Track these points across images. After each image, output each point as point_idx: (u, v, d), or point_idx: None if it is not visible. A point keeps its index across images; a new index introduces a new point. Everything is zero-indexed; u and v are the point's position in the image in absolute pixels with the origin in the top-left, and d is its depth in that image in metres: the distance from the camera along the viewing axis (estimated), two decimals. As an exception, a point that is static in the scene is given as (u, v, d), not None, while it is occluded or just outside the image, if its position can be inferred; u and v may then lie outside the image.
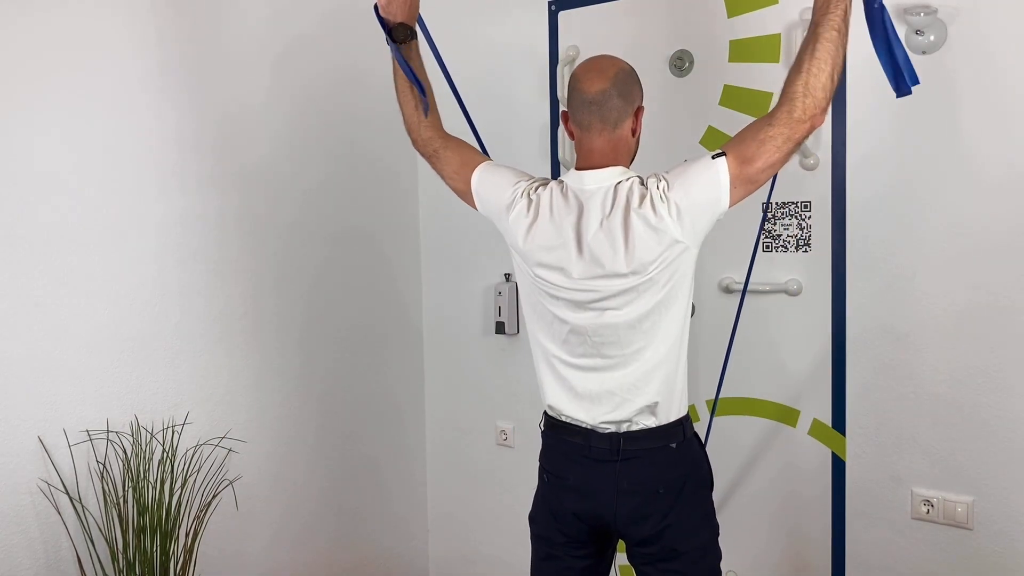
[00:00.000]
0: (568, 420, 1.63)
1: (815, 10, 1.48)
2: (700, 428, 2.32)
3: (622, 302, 1.52)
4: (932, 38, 1.93)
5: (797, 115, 1.40)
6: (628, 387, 1.56)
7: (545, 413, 1.71)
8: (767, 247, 2.19)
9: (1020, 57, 1.86)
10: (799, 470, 2.19)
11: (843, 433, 2.12)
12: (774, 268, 2.19)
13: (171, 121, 2.06)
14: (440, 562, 2.89)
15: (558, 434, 1.66)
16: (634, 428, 1.57)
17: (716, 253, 2.26)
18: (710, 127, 2.25)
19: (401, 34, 1.75)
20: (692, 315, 2.31)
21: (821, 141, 2.10)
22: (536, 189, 1.63)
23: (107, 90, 1.93)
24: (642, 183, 1.54)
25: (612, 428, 1.58)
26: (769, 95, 2.15)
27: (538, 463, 1.73)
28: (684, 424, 1.61)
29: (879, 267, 2.05)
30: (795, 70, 1.43)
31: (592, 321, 1.55)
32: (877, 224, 2.04)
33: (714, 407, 2.10)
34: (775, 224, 2.18)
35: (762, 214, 2.18)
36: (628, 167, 1.60)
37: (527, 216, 1.60)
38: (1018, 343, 1.90)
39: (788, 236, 2.16)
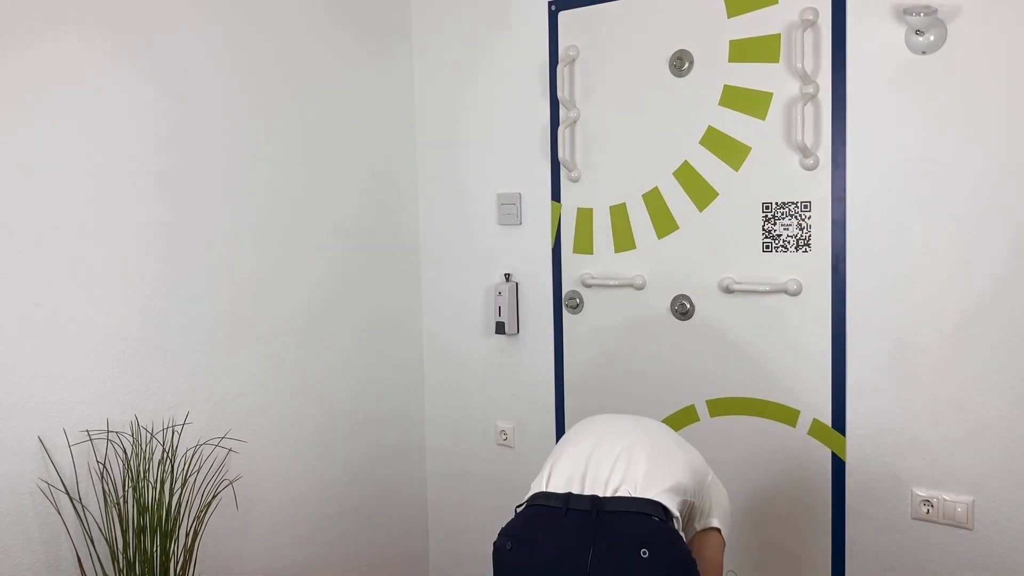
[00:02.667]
0: None
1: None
2: (699, 428, 2.33)
3: None
4: (932, 38, 1.93)
5: None
6: None
7: None
8: (767, 247, 2.19)
9: (1020, 57, 1.86)
10: (799, 470, 2.19)
11: (843, 433, 2.12)
12: (774, 268, 2.19)
13: (172, 121, 2.06)
14: (440, 562, 2.89)
15: None
16: None
17: (716, 253, 2.26)
18: (710, 127, 2.25)
19: None
20: (691, 316, 2.32)
21: (821, 141, 2.10)
22: None
23: (107, 90, 1.93)
24: None
25: None
26: (769, 95, 2.15)
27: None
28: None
29: (879, 267, 2.05)
30: None
31: None
32: (877, 224, 2.04)
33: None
34: (775, 224, 2.18)
35: (762, 213, 2.19)
36: None
37: None
38: (1018, 342, 1.90)
39: (788, 236, 2.16)
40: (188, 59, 2.10)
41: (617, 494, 1.51)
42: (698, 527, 1.67)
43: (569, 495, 1.54)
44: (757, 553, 2.27)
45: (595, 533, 1.45)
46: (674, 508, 1.52)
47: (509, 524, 1.58)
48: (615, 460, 1.59)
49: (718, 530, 1.67)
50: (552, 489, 1.57)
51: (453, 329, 2.77)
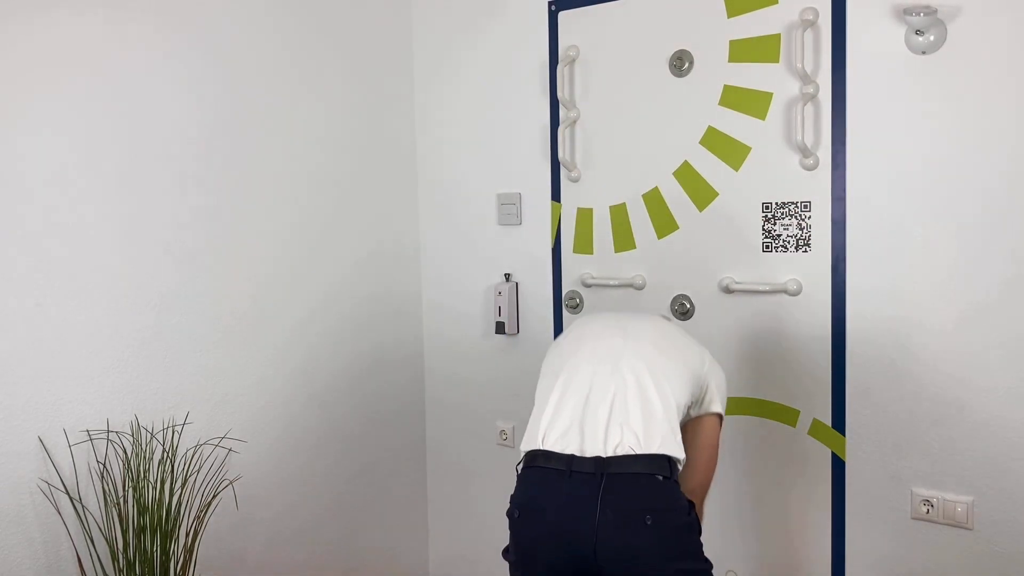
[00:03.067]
0: None
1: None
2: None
3: None
4: (932, 38, 1.93)
5: None
6: None
7: None
8: (767, 247, 2.19)
9: (1020, 57, 1.86)
10: (799, 470, 2.19)
11: (843, 433, 2.12)
12: (774, 268, 2.19)
13: (172, 121, 2.06)
14: (440, 562, 2.89)
15: None
16: None
17: (716, 253, 2.26)
18: (710, 127, 2.25)
19: None
20: (691, 316, 2.32)
21: (821, 141, 2.10)
22: None
23: (107, 90, 1.93)
24: None
25: None
26: (769, 95, 2.15)
27: None
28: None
29: (879, 267, 2.05)
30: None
31: None
32: (877, 224, 2.04)
33: None
34: (775, 224, 2.18)
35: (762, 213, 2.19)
36: None
37: None
38: (1018, 343, 1.90)
39: (788, 236, 2.16)
40: (186, 57, 2.10)
41: (618, 452, 1.51)
42: (695, 414, 1.71)
43: (572, 458, 1.54)
44: (757, 553, 2.27)
45: (601, 499, 1.47)
46: (677, 451, 1.55)
47: (516, 491, 1.61)
48: (611, 407, 1.57)
49: (716, 414, 1.72)
50: (551, 448, 1.57)
51: (453, 329, 2.77)
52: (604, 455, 1.52)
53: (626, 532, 1.46)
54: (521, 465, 1.63)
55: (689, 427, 1.71)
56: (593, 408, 1.59)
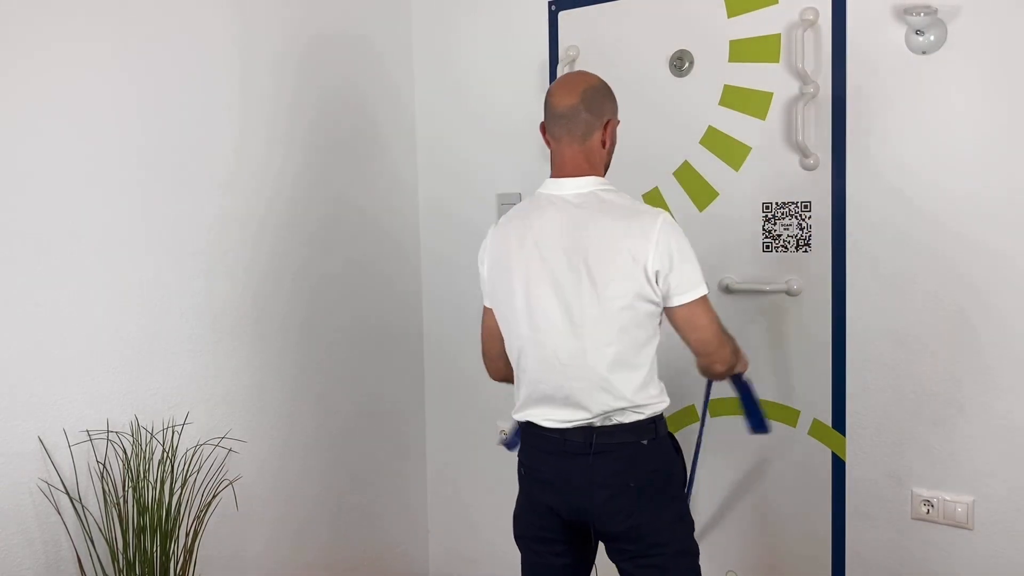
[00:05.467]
0: None
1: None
2: (694, 429, 2.32)
3: None
4: (932, 38, 1.93)
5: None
6: None
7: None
8: (767, 247, 2.19)
9: (1020, 57, 1.86)
10: (799, 470, 2.19)
11: (843, 433, 2.12)
12: (774, 268, 2.19)
13: (172, 122, 2.06)
14: (440, 562, 2.89)
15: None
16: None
17: (716, 253, 2.26)
18: (710, 127, 2.25)
19: None
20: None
21: (821, 141, 2.10)
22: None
23: (108, 91, 1.93)
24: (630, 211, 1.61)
25: None
26: (769, 95, 2.15)
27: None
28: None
29: (879, 267, 2.05)
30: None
31: None
32: (877, 224, 2.04)
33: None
34: (775, 224, 2.18)
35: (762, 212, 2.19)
36: (603, 175, 1.69)
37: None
38: (1018, 343, 1.90)
39: (788, 236, 2.16)
40: (185, 56, 2.10)
41: (607, 421, 1.60)
42: (674, 304, 1.59)
43: (564, 434, 1.63)
44: (757, 553, 2.27)
45: (593, 468, 1.60)
46: (654, 389, 1.62)
47: (520, 449, 1.75)
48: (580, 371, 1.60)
49: (698, 299, 1.59)
50: (536, 420, 1.67)
51: (453, 329, 2.77)
52: (594, 422, 1.64)
53: (615, 497, 1.63)
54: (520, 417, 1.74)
55: (678, 318, 1.61)
56: (563, 368, 1.68)
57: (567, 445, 1.62)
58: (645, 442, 1.61)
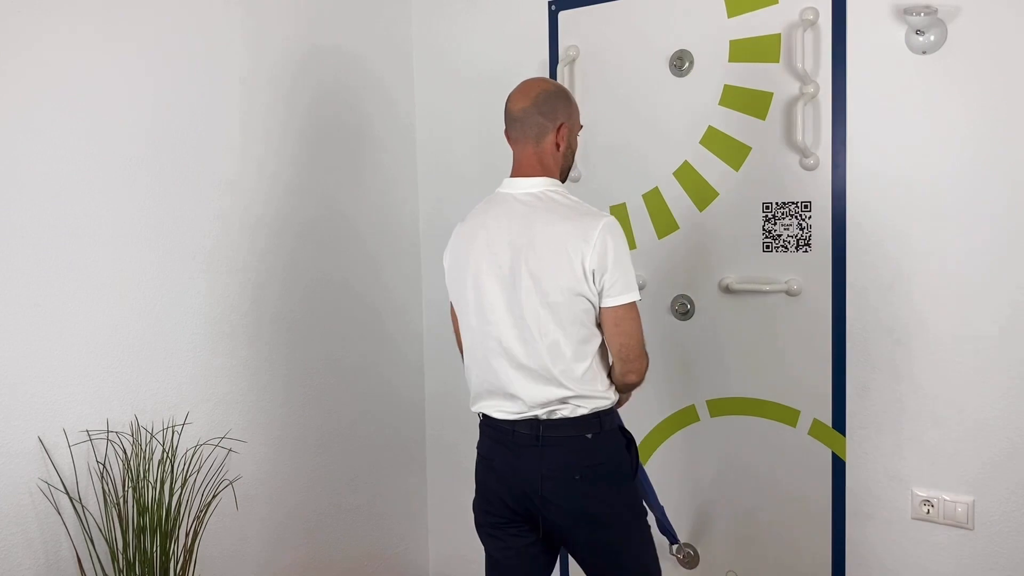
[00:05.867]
0: None
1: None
2: (699, 428, 2.33)
3: None
4: (932, 38, 1.93)
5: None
6: None
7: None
8: (767, 247, 2.19)
9: (1020, 56, 1.86)
10: (799, 470, 2.19)
11: (843, 433, 2.12)
12: (774, 268, 2.19)
13: (172, 122, 2.06)
14: (440, 562, 2.89)
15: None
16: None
17: (716, 253, 2.26)
18: (710, 127, 2.25)
19: None
20: (691, 316, 2.32)
21: (821, 141, 2.10)
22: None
23: (107, 91, 1.93)
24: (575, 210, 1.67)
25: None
26: (769, 95, 2.15)
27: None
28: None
29: (879, 267, 2.05)
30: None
31: None
32: (877, 224, 2.04)
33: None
34: (775, 224, 2.18)
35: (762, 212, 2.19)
36: (558, 177, 1.75)
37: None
38: (1018, 343, 1.90)
39: (788, 236, 2.16)
40: (185, 54, 2.10)
41: (552, 415, 1.67)
42: (606, 305, 1.64)
43: (514, 425, 1.70)
44: (757, 553, 2.27)
45: (540, 459, 1.68)
46: (599, 384, 1.68)
47: (479, 441, 1.82)
48: (529, 372, 1.67)
49: (628, 303, 1.65)
50: (489, 412, 1.75)
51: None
52: (541, 416, 1.72)
53: (559, 487, 1.70)
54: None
55: (606, 317, 1.67)
56: (511, 375, 1.76)
57: (516, 436, 1.70)
58: (590, 436, 1.67)
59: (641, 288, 2.37)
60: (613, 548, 1.71)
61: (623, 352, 1.67)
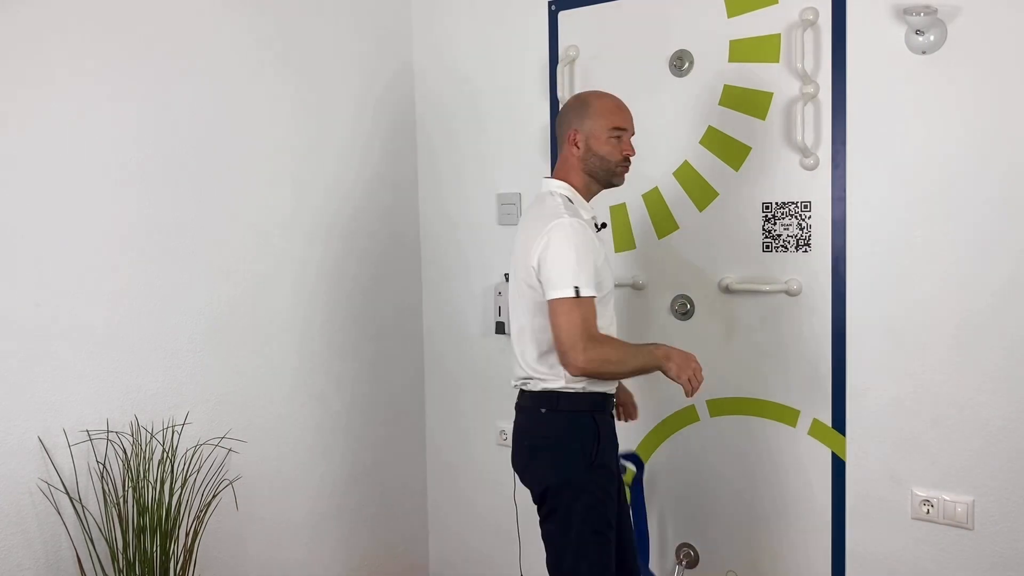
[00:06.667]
0: None
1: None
2: (699, 428, 2.33)
3: None
4: (932, 38, 1.93)
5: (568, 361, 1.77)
6: None
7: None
8: (767, 247, 2.19)
9: (1020, 57, 1.86)
10: (799, 470, 2.19)
11: (843, 433, 2.12)
12: (774, 268, 2.19)
13: (172, 123, 2.06)
14: (440, 562, 2.89)
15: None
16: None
17: (716, 253, 2.26)
18: (710, 127, 2.25)
19: None
20: (691, 316, 2.32)
21: (821, 141, 2.10)
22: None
23: (107, 91, 1.93)
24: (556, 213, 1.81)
25: None
26: (769, 95, 2.15)
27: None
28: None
29: (879, 267, 2.05)
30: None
31: None
32: (877, 224, 2.04)
33: None
34: (775, 224, 2.18)
35: (761, 213, 2.19)
36: (575, 180, 1.88)
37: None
38: (1018, 343, 1.90)
39: (788, 236, 2.16)
40: (182, 53, 2.10)
41: (524, 386, 1.89)
42: (545, 297, 1.78)
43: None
44: (757, 553, 2.27)
45: (514, 424, 1.94)
46: (545, 368, 1.83)
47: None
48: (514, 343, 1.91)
49: (557, 299, 1.75)
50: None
51: (453, 329, 2.77)
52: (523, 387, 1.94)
53: (519, 455, 1.93)
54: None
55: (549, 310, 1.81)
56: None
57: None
58: (544, 410, 1.84)
59: (641, 288, 2.37)
60: (546, 529, 1.83)
61: (555, 343, 1.77)
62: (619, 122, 1.86)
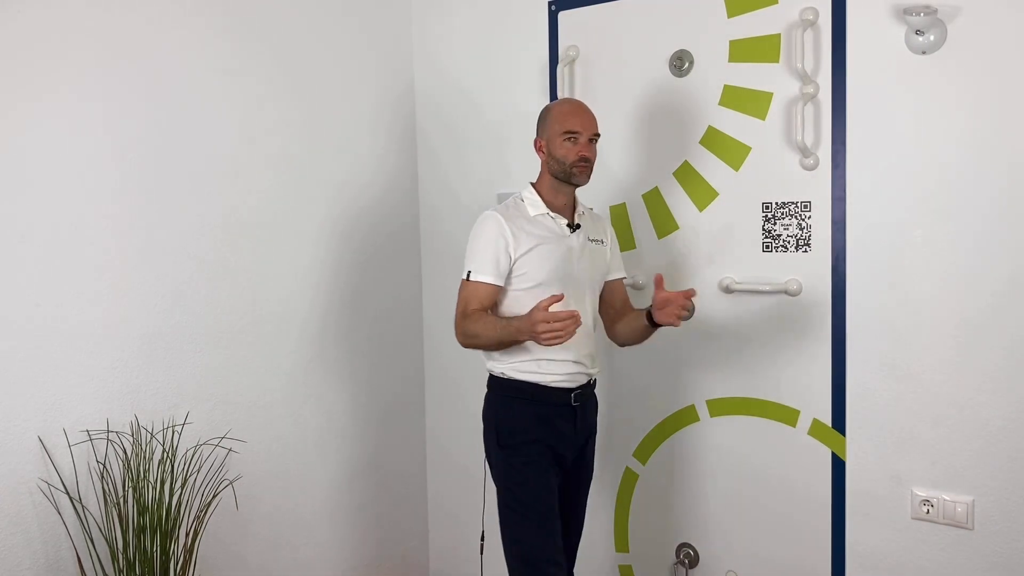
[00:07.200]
0: None
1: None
2: (699, 428, 2.33)
3: None
4: (932, 38, 1.93)
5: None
6: None
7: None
8: (767, 247, 2.19)
9: (1020, 57, 1.86)
10: (799, 470, 2.19)
11: (843, 433, 2.12)
12: (774, 268, 2.19)
13: (172, 122, 2.06)
14: (440, 562, 2.89)
15: None
16: None
17: (716, 253, 2.26)
18: (710, 127, 2.25)
19: None
20: (691, 316, 2.32)
21: (821, 141, 2.10)
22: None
23: (107, 91, 1.93)
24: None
25: None
26: (769, 95, 2.15)
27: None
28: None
29: (879, 267, 2.05)
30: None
31: None
32: (877, 224, 2.04)
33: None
34: (775, 224, 2.18)
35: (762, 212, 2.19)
36: (542, 183, 2.01)
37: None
38: (1018, 343, 1.90)
39: (788, 236, 2.16)
40: (179, 53, 2.10)
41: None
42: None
43: None
44: (757, 553, 2.27)
45: None
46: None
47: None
48: None
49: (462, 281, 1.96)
50: None
51: (453, 328, 2.77)
52: None
53: None
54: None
55: None
56: None
57: None
58: (487, 392, 2.03)
59: (641, 288, 2.37)
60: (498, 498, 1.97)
61: None
62: (571, 126, 1.92)
